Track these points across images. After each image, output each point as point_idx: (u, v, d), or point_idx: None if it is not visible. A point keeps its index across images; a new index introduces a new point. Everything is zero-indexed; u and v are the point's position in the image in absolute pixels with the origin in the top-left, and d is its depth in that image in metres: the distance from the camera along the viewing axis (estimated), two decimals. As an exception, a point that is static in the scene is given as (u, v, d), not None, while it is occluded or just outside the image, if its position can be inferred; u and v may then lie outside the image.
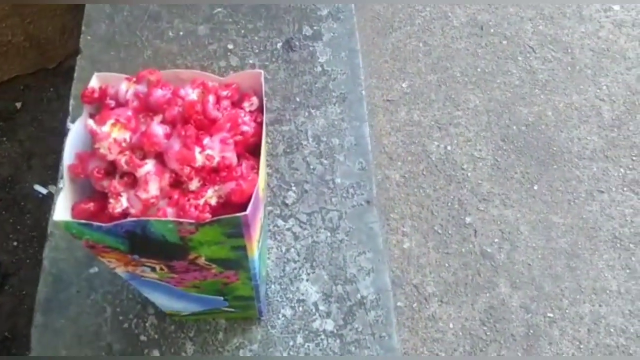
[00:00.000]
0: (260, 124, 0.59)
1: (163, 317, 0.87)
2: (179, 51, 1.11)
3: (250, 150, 0.59)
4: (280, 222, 0.94)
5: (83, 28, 1.12)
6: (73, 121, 0.98)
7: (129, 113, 0.55)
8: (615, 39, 1.95)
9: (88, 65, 1.08)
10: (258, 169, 0.57)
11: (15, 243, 1.49)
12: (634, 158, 1.73)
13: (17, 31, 1.55)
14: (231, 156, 0.56)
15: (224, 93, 0.59)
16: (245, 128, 0.57)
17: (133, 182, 0.54)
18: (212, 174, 0.55)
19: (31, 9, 1.51)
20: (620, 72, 1.88)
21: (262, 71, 0.60)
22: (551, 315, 1.48)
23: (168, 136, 0.55)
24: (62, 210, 0.54)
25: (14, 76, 1.68)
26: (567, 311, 1.48)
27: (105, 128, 0.54)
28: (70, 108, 1.03)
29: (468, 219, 1.61)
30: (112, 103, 0.58)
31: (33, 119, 1.66)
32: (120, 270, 0.63)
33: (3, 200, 1.54)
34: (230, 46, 1.11)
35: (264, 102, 0.60)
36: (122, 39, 1.11)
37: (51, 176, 1.58)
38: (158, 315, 0.87)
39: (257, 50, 1.11)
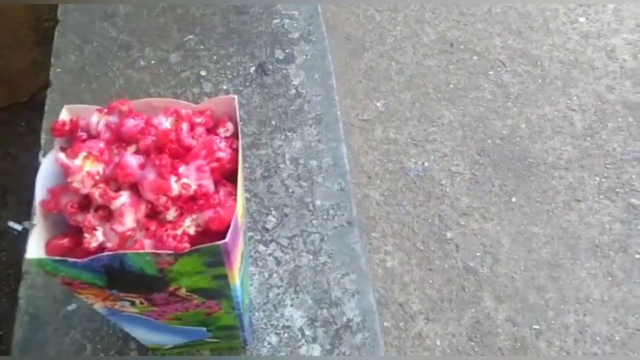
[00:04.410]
0: (236, 150, 0.58)
1: (145, 352, 0.84)
2: (151, 80, 1.10)
3: (227, 176, 0.58)
4: (261, 247, 0.93)
5: (52, 60, 1.10)
6: (45, 156, 0.96)
7: (102, 145, 0.54)
8: (583, 50, 1.99)
9: (59, 98, 1.06)
10: (236, 195, 0.56)
11: (-10, 282, 1.45)
12: (607, 166, 1.75)
13: (-15, 66, 1.53)
14: (208, 184, 0.55)
15: (198, 120, 0.58)
16: (221, 154, 0.56)
17: (108, 215, 0.53)
18: (189, 202, 0.54)
19: (0, 44, 1.49)
20: (590, 82, 1.92)
21: (235, 96, 0.59)
22: (537, 327, 1.48)
23: (142, 166, 0.54)
24: (35, 248, 0.52)
25: (-16, 112, 1.66)
26: (552, 322, 1.49)
27: (78, 161, 0.52)
28: (42, 142, 1.01)
29: (449, 234, 1.61)
30: (84, 135, 0.57)
31: (6, 154, 1.63)
32: (99, 306, 0.62)
33: (-24, 239, 1.50)
34: (203, 73, 1.11)
35: (239, 127, 0.59)
36: (92, 70, 1.10)
37: (26, 212, 1.53)
38: (140, 350, 0.84)
39: (230, 76, 1.11)
